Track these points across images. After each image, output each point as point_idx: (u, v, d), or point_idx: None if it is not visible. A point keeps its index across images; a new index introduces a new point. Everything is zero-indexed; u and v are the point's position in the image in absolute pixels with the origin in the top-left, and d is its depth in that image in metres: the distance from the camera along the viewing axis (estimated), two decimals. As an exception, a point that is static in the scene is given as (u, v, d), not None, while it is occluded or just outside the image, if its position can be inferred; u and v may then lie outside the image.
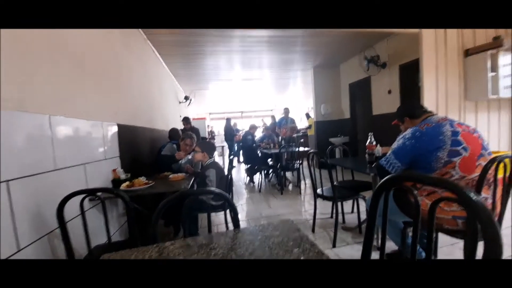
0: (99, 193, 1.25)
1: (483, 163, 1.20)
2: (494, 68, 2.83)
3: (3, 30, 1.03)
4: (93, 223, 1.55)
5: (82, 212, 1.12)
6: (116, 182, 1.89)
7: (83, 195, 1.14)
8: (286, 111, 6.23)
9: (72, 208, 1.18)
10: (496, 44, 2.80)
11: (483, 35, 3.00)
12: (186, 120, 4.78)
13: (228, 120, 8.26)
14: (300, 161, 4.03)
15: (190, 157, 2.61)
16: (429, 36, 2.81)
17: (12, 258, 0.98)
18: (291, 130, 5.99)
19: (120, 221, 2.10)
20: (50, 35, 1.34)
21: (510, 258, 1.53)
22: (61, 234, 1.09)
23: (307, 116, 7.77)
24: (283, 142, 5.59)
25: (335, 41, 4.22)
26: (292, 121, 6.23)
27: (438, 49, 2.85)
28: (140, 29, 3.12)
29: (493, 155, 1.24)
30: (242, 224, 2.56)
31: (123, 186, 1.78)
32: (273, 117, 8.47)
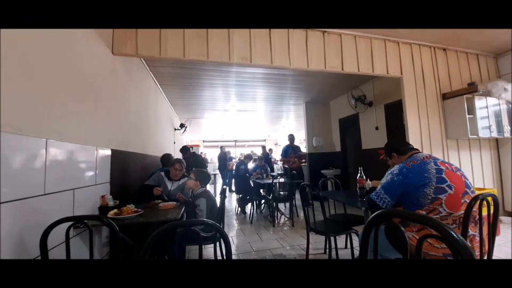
0: (86, 221, 1.21)
1: (468, 201, 1.25)
2: (471, 110, 3.08)
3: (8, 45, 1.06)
4: (74, 252, 1.46)
5: (67, 241, 1.07)
6: (104, 209, 1.83)
7: (69, 223, 1.11)
8: (291, 138, 5.53)
9: (54, 235, 1.12)
10: (471, 89, 3.09)
11: (458, 80, 3.32)
12: (184, 149, 4.63)
13: (222, 148, 7.98)
14: (293, 193, 4.01)
15: (180, 183, 2.56)
16: (409, 81, 3.09)
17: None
18: (299, 159, 5.33)
19: (102, 251, 1.98)
20: (51, 59, 1.38)
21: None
22: (41, 265, 1.02)
23: None
24: (278, 171, 5.31)
25: (324, 81, 4.55)
26: (299, 149, 5.53)
27: (418, 93, 3.12)
28: (142, 60, 3.29)
29: (476, 193, 1.30)
30: (232, 258, 2.43)
31: (111, 213, 1.72)
32: (263, 147, 8.59)
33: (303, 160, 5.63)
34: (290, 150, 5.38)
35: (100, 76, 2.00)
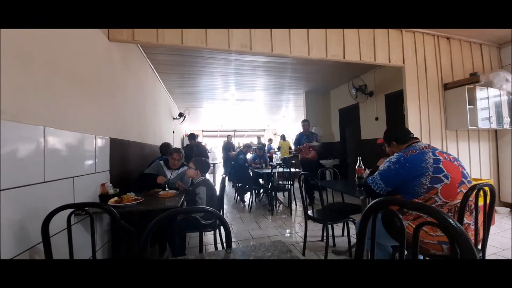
0: (86, 208, 1.22)
1: (464, 190, 1.27)
2: (472, 101, 3.06)
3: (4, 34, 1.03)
4: (76, 239, 1.48)
5: (69, 227, 1.09)
6: (104, 197, 1.84)
7: (70, 210, 1.11)
8: (305, 124, 4.60)
9: (56, 222, 1.14)
10: (473, 80, 3.06)
11: (461, 71, 3.28)
12: (191, 136, 4.72)
13: (228, 137, 7.33)
14: (291, 182, 4.05)
15: (180, 172, 2.57)
16: (411, 71, 3.04)
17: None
18: (314, 150, 4.40)
19: (103, 238, 2.01)
20: (48, 48, 1.36)
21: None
22: (44, 250, 1.04)
23: (283, 138, 8.15)
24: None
25: (325, 70, 4.48)
26: (315, 137, 4.54)
27: (420, 82, 3.08)
28: (139, 47, 3.22)
29: (473, 183, 1.32)
30: (232, 245, 2.48)
31: (111, 201, 1.73)
32: (258, 137, 8.78)
33: (318, 151, 4.55)
34: (304, 139, 4.52)
35: (97, 63, 1.96)
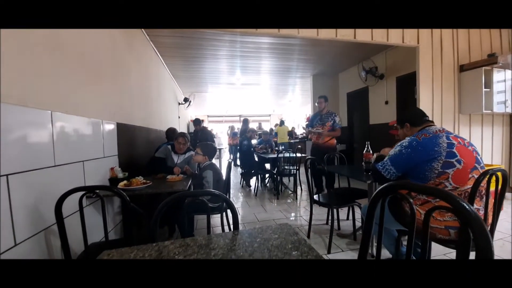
0: (97, 191, 1.25)
1: (476, 176, 1.23)
2: (488, 84, 2.92)
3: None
4: (88, 220, 1.54)
5: (81, 209, 1.12)
6: (113, 180, 1.89)
7: (82, 192, 1.14)
8: (320, 101, 3.57)
9: (68, 205, 1.17)
10: (491, 61, 2.89)
11: (478, 52, 3.11)
12: (196, 121, 4.73)
13: (245, 122, 6.01)
14: (297, 167, 4.06)
15: (186, 156, 2.60)
16: (425, 51, 2.89)
17: (8, 252, 0.98)
18: (330, 134, 3.46)
19: (115, 220, 2.08)
20: (52, 33, 1.34)
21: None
22: (58, 231, 1.08)
23: (281, 123, 8.11)
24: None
25: (334, 51, 4.31)
26: (333, 119, 3.47)
27: (434, 64, 2.94)
28: (143, 30, 3.14)
29: (486, 168, 1.28)
30: (239, 227, 2.55)
31: (121, 185, 1.77)
32: (259, 123, 8.96)
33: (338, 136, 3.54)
34: (316, 120, 3.61)
35: (100, 47, 1.92)
